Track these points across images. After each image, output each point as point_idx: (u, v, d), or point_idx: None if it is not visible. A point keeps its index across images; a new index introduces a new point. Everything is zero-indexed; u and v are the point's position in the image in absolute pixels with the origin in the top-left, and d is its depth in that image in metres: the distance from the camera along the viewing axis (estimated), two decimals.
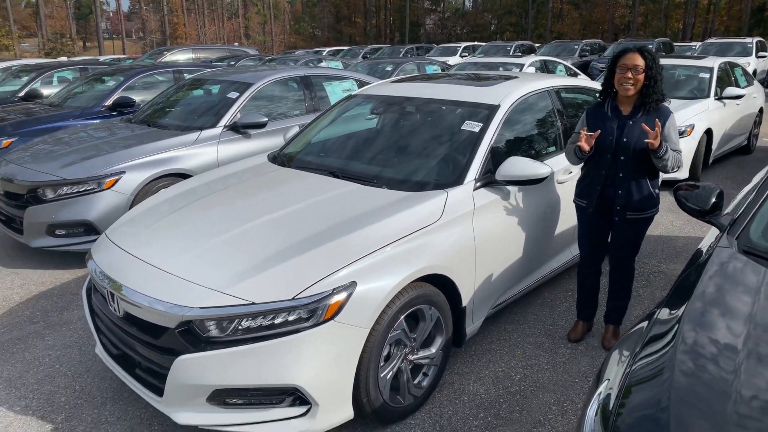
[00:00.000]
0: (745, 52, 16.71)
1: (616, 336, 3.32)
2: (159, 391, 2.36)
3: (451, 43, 34.12)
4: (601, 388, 1.67)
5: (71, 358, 3.25)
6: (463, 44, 25.47)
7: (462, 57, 22.89)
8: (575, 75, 10.21)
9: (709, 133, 6.80)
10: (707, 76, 7.29)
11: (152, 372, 2.42)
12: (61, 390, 2.96)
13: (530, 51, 23.06)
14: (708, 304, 1.78)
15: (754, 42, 17.36)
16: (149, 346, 2.38)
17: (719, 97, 7.10)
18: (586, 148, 2.93)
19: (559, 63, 10.92)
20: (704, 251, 2.20)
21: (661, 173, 3.08)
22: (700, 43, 20.28)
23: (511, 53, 21.45)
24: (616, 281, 3.26)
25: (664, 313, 1.84)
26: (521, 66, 9.84)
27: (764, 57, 17.28)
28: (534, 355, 3.24)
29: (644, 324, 1.88)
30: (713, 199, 2.37)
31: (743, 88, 7.79)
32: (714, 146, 7.05)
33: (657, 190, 3.08)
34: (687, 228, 5.32)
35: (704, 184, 2.54)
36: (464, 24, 59.07)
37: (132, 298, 2.39)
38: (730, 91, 7.12)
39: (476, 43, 27.79)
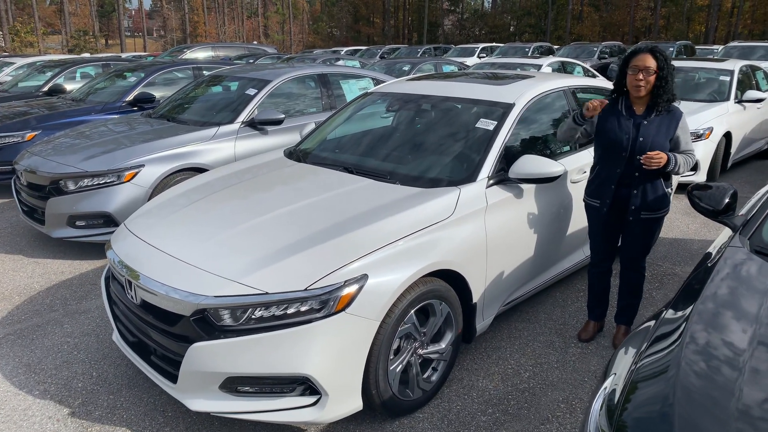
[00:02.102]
0: None
1: (626, 335, 3.31)
2: (173, 378, 2.41)
3: (469, 44, 34.01)
4: (607, 383, 1.69)
5: (89, 345, 3.33)
6: (481, 45, 25.40)
7: (480, 58, 22.85)
8: (593, 77, 10.13)
9: (728, 136, 6.72)
10: (728, 78, 7.20)
11: (167, 359, 2.48)
12: (78, 376, 3.03)
13: (549, 52, 22.93)
14: (717, 303, 1.78)
15: None
16: (164, 333, 2.44)
17: (739, 101, 7.01)
18: (594, 112, 2.97)
19: (577, 64, 10.85)
20: (715, 251, 2.19)
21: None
22: (722, 47, 19.99)
23: (529, 54, 21.35)
24: (628, 281, 3.26)
25: (671, 312, 1.85)
26: (538, 67, 9.81)
27: None
28: (544, 353, 3.25)
29: (652, 322, 1.88)
30: (726, 200, 2.36)
31: (765, 91, 7.69)
32: (733, 150, 6.97)
33: (670, 190, 3.08)
34: (702, 231, 5.28)
35: (718, 185, 2.53)
36: (483, 25, 58.85)
37: (149, 286, 2.45)
38: (751, 94, 7.03)
39: (494, 44, 27.69)
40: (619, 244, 3.27)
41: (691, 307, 1.78)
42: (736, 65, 7.41)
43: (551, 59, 10.44)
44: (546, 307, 3.79)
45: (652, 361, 1.64)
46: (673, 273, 4.34)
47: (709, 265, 2.06)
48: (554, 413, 2.75)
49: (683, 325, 1.71)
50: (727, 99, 6.96)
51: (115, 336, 2.85)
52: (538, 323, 3.58)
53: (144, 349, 2.64)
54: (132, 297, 2.60)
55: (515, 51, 22.49)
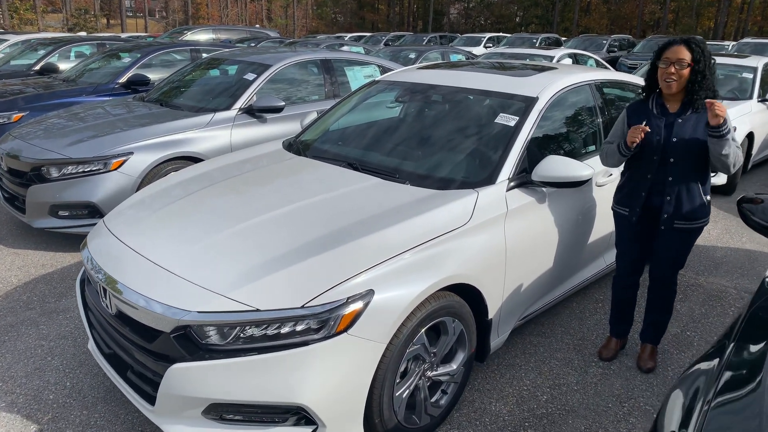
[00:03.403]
0: None
1: (653, 356, 3.04)
2: (151, 399, 2.13)
3: (475, 33, 33.47)
4: None
5: (64, 350, 3.04)
6: (488, 35, 24.94)
7: (486, 48, 22.42)
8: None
9: (750, 136, 6.41)
10: (750, 76, 6.87)
11: (144, 378, 2.20)
12: (50, 386, 2.75)
13: (556, 44, 22.50)
14: None
15: None
16: (142, 349, 2.15)
17: (762, 99, 6.69)
18: (637, 140, 2.62)
19: (590, 57, 10.50)
20: None
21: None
22: (734, 43, 19.59)
23: (537, 45, 20.92)
24: (657, 297, 2.97)
25: (740, 349, 1.56)
26: (551, 58, 9.45)
27: None
28: (562, 373, 2.97)
29: (713, 362, 1.59)
30: None
31: None
32: (754, 151, 6.66)
33: (708, 197, 2.77)
34: (725, 238, 4.98)
35: None
36: (489, 14, 58.08)
37: (126, 296, 2.16)
38: None
39: (501, 34, 27.20)
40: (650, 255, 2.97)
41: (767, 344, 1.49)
42: (759, 62, 7.07)
43: (563, 50, 10.08)
44: (563, 320, 3.50)
45: (727, 412, 1.35)
46: (697, 284, 4.05)
47: None
48: None
49: (762, 367, 1.42)
50: (750, 97, 6.63)
51: (91, 345, 2.56)
52: (554, 338, 3.30)
53: (120, 364, 2.35)
54: (107, 306, 2.31)
55: (522, 41, 22.07)
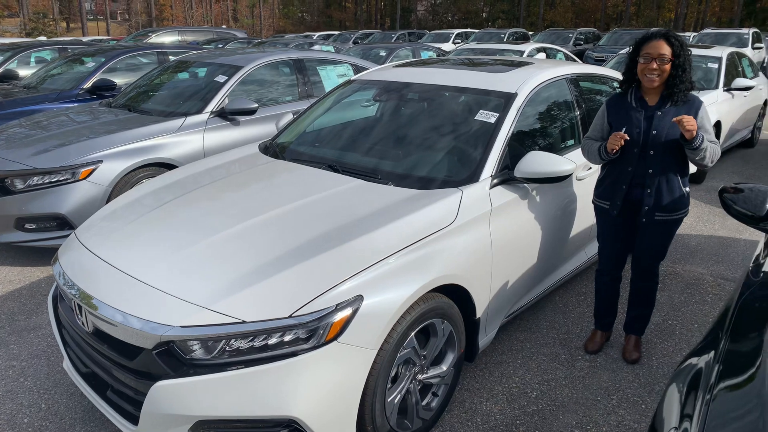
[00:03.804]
0: (741, 43, 16.45)
1: (637, 347, 3.06)
2: (133, 419, 2.04)
3: (443, 29, 33.58)
4: None
5: (38, 370, 2.92)
6: (456, 31, 25.05)
7: (455, 44, 22.52)
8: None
9: (718, 125, 6.54)
10: (716, 66, 7.01)
11: (126, 397, 2.11)
12: (24, 409, 2.63)
13: (524, 38, 22.71)
14: None
15: (750, 33, 17.13)
16: (122, 368, 2.06)
17: (728, 89, 6.84)
18: (617, 147, 2.63)
19: (559, 50, 10.61)
20: (764, 265, 1.92)
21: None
22: (695, 34, 20.05)
23: (504, 40, 21.09)
24: (639, 288, 2.99)
25: (734, 341, 1.56)
26: (521, 53, 9.51)
27: (760, 48, 17.07)
28: (550, 368, 2.97)
29: (707, 356, 1.59)
30: None
31: (750, 79, 7.54)
32: (721, 139, 6.79)
33: (687, 189, 2.80)
34: (699, 225, 5.08)
35: (752, 186, 2.24)
36: (456, 10, 58.42)
37: (103, 312, 2.06)
38: (740, 82, 6.85)
39: (469, 29, 27.34)
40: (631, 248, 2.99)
41: (762, 334, 1.49)
42: (723, 52, 7.24)
43: (533, 45, 10.15)
44: (546, 314, 3.51)
45: (727, 403, 1.35)
46: (674, 272, 4.11)
47: (763, 282, 1.78)
48: None
49: (759, 357, 1.42)
50: (716, 87, 6.77)
51: (66, 364, 2.45)
52: (540, 333, 3.30)
53: (99, 383, 2.25)
54: (83, 323, 2.21)
55: (490, 37, 22.20)
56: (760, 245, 2.31)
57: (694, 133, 2.51)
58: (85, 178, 4.03)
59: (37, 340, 3.19)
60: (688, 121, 2.47)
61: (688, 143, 2.56)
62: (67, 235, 4.05)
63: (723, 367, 1.48)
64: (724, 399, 1.38)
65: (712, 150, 2.63)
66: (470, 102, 3.09)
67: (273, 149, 3.36)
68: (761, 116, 8.49)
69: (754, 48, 16.69)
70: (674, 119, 2.51)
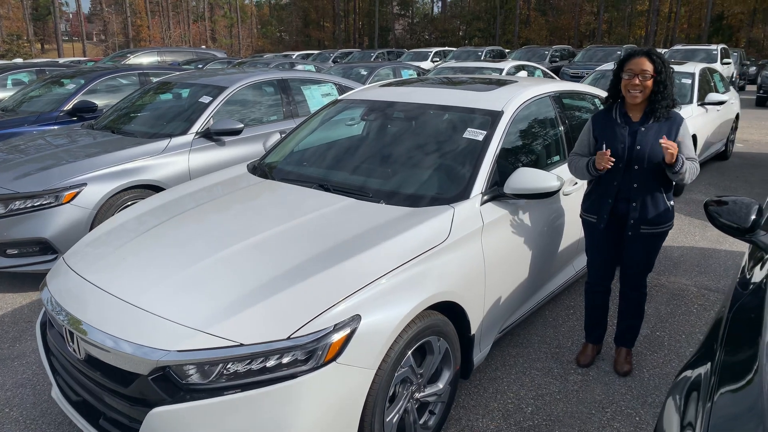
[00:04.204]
0: (710, 59, 16.96)
1: (629, 359, 3.09)
2: None
3: (421, 48, 34.03)
4: None
5: (23, 399, 2.84)
6: (435, 49, 25.39)
7: (433, 62, 22.80)
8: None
9: (693, 139, 6.71)
10: (689, 81, 7.22)
11: (119, 425, 2.06)
12: None
13: (501, 56, 23.12)
14: None
15: (719, 49, 17.68)
16: (116, 395, 2.02)
17: (702, 103, 7.03)
18: (608, 166, 2.69)
19: (537, 67, 10.81)
20: (752, 276, 1.97)
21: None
22: (666, 50, 20.62)
23: (482, 58, 21.44)
24: (628, 300, 3.03)
25: (730, 352, 1.59)
26: (500, 71, 9.68)
27: (729, 63, 17.61)
28: (544, 383, 2.98)
29: (705, 367, 1.62)
30: (753, 216, 2.14)
31: (722, 93, 7.78)
32: (697, 152, 6.97)
33: (671, 203, 2.86)
34: (680, 237, 5.18)
35: (736, 199, 2.31)
36: (433, 29, 59.29)
37: (95, 338, 2.03)
38: (713, 97, 7.07)
39: (447, 48, 27.74)
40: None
41: (756, 343, 1.52)
42: (696, 68, 7.45)
43: (511, 62, 10.34)
44: (537, 329, 3.53)
45: (727, 411, 1.37)
46: (659, 284, 4.18)
47: (753, 292, 1.82)
48: None
49: (755, 366, 1.45)
50: (690, 102, 6.96)
51: (55, 392, 2.39)
52: (531, 347, 3.32)
53: (91, 412, 2.20)
54: (74, 350, 2.17)
55: (468, 55, 22.55)
56: (745, 257, 2.38)
57: (675, 157, 2.59)
58: (68, 202, 3.97)
59: (21, 368, 3.11)
60: (669, 146, 2.56)
61: (669, 167, 2.65)
62: (50, 260, 3.98)
63: (721, 377, 1.51)
64: (724, 408, 1.40)
65: (691, 169, 2.71)
66: (458, 120, 3.13)
67: (262, 169, 3.36)
68: (734, 129, 8.74)
69: (722, 63, 17.22)
70: (660, 141, 2.58)
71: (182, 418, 1.87)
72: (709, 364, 1.61)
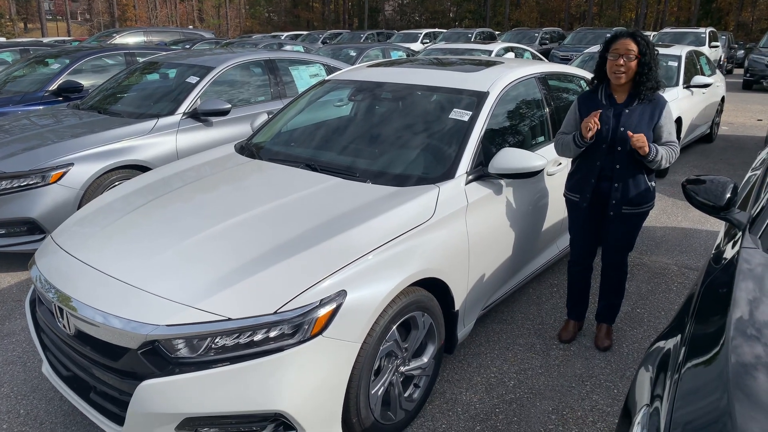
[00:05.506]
0: (699, 42, 17.02)
1: (609, 335, 3.18)
2: (119, 420, 2.05)
3: (410, 29, 33.76)
4: (639, 418, 1.47)
5: (14, 376, 2.87)
6: (424, 30, 25.21)
7: (423, 44, 22.66)
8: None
9: (678, 121, 6.79)
10: (675, 64, 7.27)
11: (110, 398, 2.11)
12: (2, 415, 2.59)
13: (491, 38, 23.02)
14: (752, 310, 1.61)
15: (707, 32, 17.74)
16: (107, 368, 2.06)
17: (687, 86, 7.09)
18: (592, 129, 2.73)
19: (526, 50, 10.82)
20: (725, 252, 2.03)
21: None
22: (655, 33, 20.64)
23: (472, 40, 21.34)
24: (609, 279, 3.11)
25: (699, 324, 1.66)
26: (489, 52, 9.67)
27: (717, 47, 17.69)
28: (526, 357, 3.06)
29: (673, 340, 1.69)
30: (728, 194, 2.21)
31: (708, 76, 7.84)
32: (682, 135, 7.05)
33: (653, 183, 2.93)
34: (663, 218, 5.27)
35: (713, 178, 2.37)
36: (423, 11, 58.74)
37: (84, 314, 2.06)
38: (698, 79, 7.13)
39: (437, 29, 27.56)
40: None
41: (727, 318, 1.59)
42: (683, 50, 7.50)
43: (501, 44, 10.33)
44: (521, 306, 3.61)
45: (695, 383, 1.44)
46: (641, 263, 4.27)
47: (724, 268, 1.89)
48: (546, 426, 2.56)
49: (722, 338, 1.52)
50: (676, 84, 7.02)
51: (45, 368, 2.43)
52: (515, 324, 3.40)
53: (82, 386, 2.24)
54: (64, 326, 2.20)
55: (458, 36, 22.42)
56: (721, 234, 2.45)
57: (646, 149, 2.66)
58: (56, 182, 3.97)
59: (11, 346, 3.14)
60: (637, 139, 2.64)
61: (643, 157, 2.73)
62: (37, 240, 3.98)
63: (689, 349, 1.58)
64: (691, 378, 1.47)
65: (668, 155, 2.78)
66: (444, 101, 3.16)
67: (249, 149, 3.38)
68: (719, 112, 8.83)
69: (710, 47, 17.29)
70: (629, 135, 2.66)
71: (172, 390, 1.91)
72: (679, 336, 1.68)
